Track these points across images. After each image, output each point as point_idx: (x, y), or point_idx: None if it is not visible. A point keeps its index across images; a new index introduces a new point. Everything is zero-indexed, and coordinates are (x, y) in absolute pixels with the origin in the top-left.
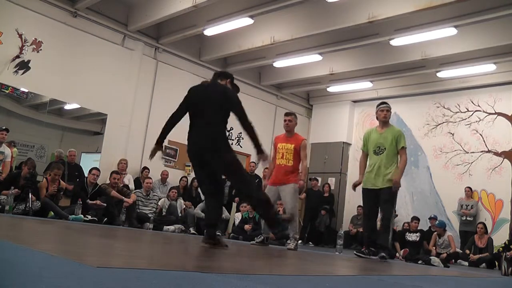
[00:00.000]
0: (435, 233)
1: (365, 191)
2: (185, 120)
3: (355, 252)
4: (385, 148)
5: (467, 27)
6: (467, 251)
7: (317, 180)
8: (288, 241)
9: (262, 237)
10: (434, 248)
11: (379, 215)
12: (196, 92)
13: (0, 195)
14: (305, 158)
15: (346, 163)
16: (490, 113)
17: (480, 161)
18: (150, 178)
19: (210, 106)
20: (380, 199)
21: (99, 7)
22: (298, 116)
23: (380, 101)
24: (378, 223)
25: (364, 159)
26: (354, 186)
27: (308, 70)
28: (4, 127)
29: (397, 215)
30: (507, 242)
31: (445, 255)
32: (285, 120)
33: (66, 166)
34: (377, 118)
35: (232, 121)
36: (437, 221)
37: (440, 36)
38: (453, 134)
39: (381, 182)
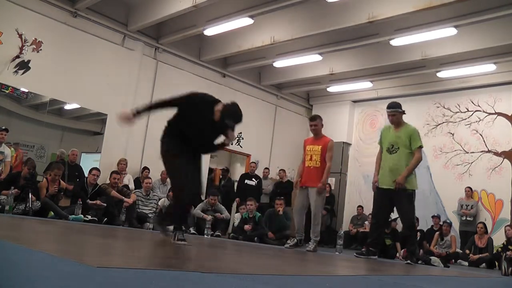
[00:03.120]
0: (437, 232)
1: (380, 191)
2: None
3: (355, 253)
4: (398, 148)
5: (467, 27)
6: (467, 251)
7: None
8: (308, 243)
9: (296, 240)
10: (435, 248)
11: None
12: None
13: (0, 195)
14: (329, 159)
15: (346, 163)
16: (490, 113)
17: (480, 161)
18: (150, 178)
19: None
20: (397, 202)
21: (99, 7)
22: (298, 116)
23: (390, 102)
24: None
25: (380, 155)
26: (374, 185)
27: (308, 70)
28: (4, 127)
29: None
30: (505, 243)
31: (444, 253)
32: (311, 125)
33: (66, 166)
34: None
35: None
36: (447, 220)
37: (440, 36)
38: (453, 134)
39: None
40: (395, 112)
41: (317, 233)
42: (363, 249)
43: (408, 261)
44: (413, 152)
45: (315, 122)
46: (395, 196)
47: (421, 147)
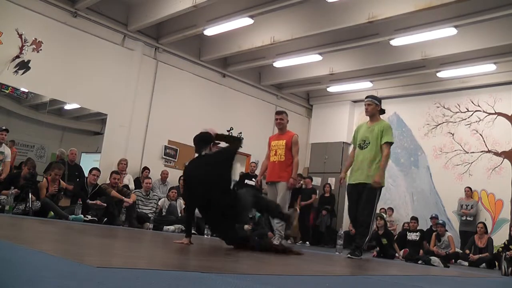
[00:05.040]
0: (435, 233)
1: (349, 187)
2: (187, 120)
3: (349, 255)
4: (369, 142)
5: (467, 27)
6: (467, 251)
7: (311, 179)
8: (274, 238)
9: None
10: (434, 248)
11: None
12: None
13: (0, 195)
14: (296, 153)
15: None
16: (490, 113)
17: (480, 161)
18: (150, 178)
19: None
20: (360, 196)
21: (99, 7)
22: (298, 116)
23: (368, 94)
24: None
25: (353, 153)
26: (340, 180)
27: (308, 70)
28: (4, 127)
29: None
30: (506, 242)
31: (444, 253)
32: (276, 119)
33: (66, 166)
34: None
35: (233, 121)
36: (439, 220)
37: (440, 36)
38: (453, 134)
39: (364, 177)
40: (371, 102)
41: (282, 228)
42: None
43: (349, 255)
44: (382, 147)
45: (281, 116)
46: (362, 190)
47: (391, 143)
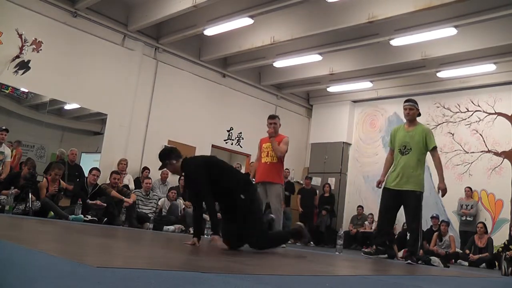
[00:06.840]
0: (436, 233)
1: (386, 190)
2: (187, 120)
3: (362, 253)
4: (411, 148)
5: (467, 27)
6: (467, 251)
7: (310, 179)
8: None
9: None
10: (435, 247)
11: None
12: None
13: (0, 195)
14: (284, 144)
15: (346, 163)
16: (490, 113)
17: (480, 161)
18: (150, 179)
19: None
20: (404, 204)
21: (99, 7)
22: (298, 116)
23: (407, 98)
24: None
25: (391, 156)
26: (378, 184)
27: (308, 70)
28: (4, 127)
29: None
30: (506, 242)
31: (444, 253)
32: (270, 123)
33: (66, 166)
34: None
35: (233, 121)
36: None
37: (440, 36)
38: (453, 134)
39: (406, 184)
40: (413, 106)
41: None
42: (369, 248)
43: (409, 261)
44: (431, 153)
45: (275, 120)
46: (403, 197)
47: (436, 147)
